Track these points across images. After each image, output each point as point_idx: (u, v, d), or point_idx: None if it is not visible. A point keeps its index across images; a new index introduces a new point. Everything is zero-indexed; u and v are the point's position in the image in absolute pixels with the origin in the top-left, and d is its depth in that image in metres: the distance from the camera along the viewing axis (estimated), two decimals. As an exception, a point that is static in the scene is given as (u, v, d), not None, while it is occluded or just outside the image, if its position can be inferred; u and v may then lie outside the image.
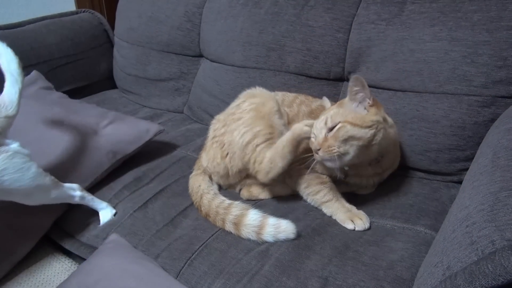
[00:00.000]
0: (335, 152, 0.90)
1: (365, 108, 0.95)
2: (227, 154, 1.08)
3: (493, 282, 0.48)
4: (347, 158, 0.92)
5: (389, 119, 1.03)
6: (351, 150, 0.92)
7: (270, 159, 1.00)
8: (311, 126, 0.98)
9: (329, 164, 0.94)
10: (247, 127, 1.04)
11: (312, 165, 0.98)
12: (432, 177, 1.17)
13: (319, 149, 0.92)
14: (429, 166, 1.15)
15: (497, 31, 1.02)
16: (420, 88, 1.14)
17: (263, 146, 1.02)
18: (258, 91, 1.18)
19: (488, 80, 1.04)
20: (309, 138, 0.98)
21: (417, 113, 1.14)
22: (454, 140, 1.10)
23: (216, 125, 1.16)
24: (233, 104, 1.16)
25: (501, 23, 1.02)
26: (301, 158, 1.02)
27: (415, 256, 0.86)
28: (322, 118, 0.96)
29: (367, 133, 0.92)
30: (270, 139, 1.04)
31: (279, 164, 0.99)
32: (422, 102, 1.13)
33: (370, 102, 0.95)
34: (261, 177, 1.02)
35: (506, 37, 1.01)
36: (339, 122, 0.92)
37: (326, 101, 1.13)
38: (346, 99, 0.97)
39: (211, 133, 1.18)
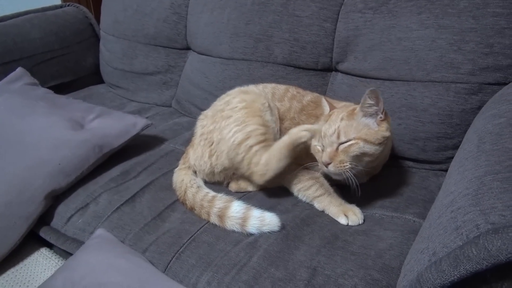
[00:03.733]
0: (347, 168, 0.89)
1: (375, 121, 0.93)
2: (215, 152, 1.07)
3: (477, 266, 0.48)
4: (354, 171, 0.91)
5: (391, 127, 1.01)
6: (360, 165, 0.91)
7: (266, 162, 0.98)
8: (308, 131, 0.96)
9: (335, 177, 0.94)
10: (239, 126, 1.02)
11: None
12: (421, 166, 1.17)
13: (329, 163, 0.91)
14: (418, 155, 1.15)
15: (483, 18, 1.02)
16: (407, 77, 1.13)
17: (258, 147, 1.00)
18: (249, 88, 1.17)
19: (475, 67, 1.03)
20: (305, 143, 0.97)
21: (405, 102, 1.14)
22: (442, 128, 1.10)
23: (204, 122, 1.14)
24: (222, 101, 1.14)
25: (487, 9, 1.02)
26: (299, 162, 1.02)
27: (404, 245, 0.86)
28: (333, 129, 0.92)
29: (377, 150, 0.92)
30: (264, 140, 1.02)
31: (275, 167, 0.98)
32: (410, 91, 1.13)
33: (382, 116, 0.93)
34: (256, 178, 1.01)
35: (492, 23, 1.01)
36: (353, 138, 0.90)
37: (324, 103, 1.06)
38: (357, 110, 0.94)
39: (198, 130, 1.15)
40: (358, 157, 0.91)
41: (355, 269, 0.81)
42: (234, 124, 1.03)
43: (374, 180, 1.09)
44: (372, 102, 0.91)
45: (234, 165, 1.05)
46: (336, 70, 1.32)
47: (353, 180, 0.90)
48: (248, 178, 1.06)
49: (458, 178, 0.65)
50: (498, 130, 0.70)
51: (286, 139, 0.98)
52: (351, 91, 1.25)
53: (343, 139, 0.91)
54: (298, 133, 0.97)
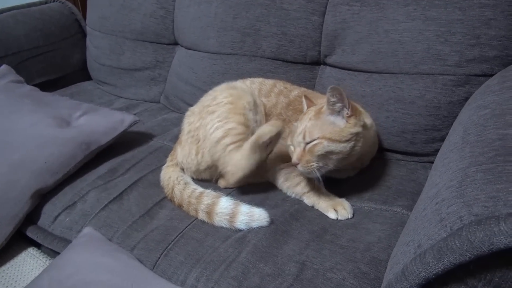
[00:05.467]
0: (314, 167, 0.89)
1: (343, 118, 0.92)
2: (201, 150, 1.07)
3: (461, 258, 0.48)
4: (326, 169, 0.91)
5: (369, 121, 0.99)
6: (330, 163, 0.91)
7: (235, 162, 0.99)
8: (273, 126, 0.95)
9: (308, 175, 0.94)
10: (220, 122, 1.02)
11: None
12: (409, 158, 1.17)
13: (298, 163, 0.90)
14: (406, 148, 1.15)
15: (470, 9, 1.01)
16: (395, 69, 1.13)
17: (232, 147, 1.00)
18: (236, 84, 1.15)
19: (462, 59, 1.03)
20: (272, 139, 0.96)
21: (393, 95, 1.14)
22: (430, 121, 1.10)
23: (191, 118, 1.13)
24: (209, 96, 1.13)
25: (474, 0, 1.01)
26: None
27: (392, 237, 0.86)
28: (300, 129, 0.92)
29: (345, 147, 0.90)
30: (241, 140, 1.01)
31: (244, 165, 0.98)
32: (398, 83, 1.13)
33: (349, 112, 0.91)
34: (228, 178, 1.02)
35: (479, 14, 1.01)
36: (317, 137, 0.89)
37: (303, 102, 1.06)
38: (324, 108, 0.93)
39: (186, 127, 1.14)
40: (324, 156, 0.89)
41: (343, 263, 0.81)
42: (216, 120, 1.03)
43: (363, 173, 1.09)
44: (335, 100, 0.90)
45: (214, 163, 1.05)
46: (325, 64, 1.31)
47: (319, 180, 0.90)
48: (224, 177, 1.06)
49: (443, 170, 0.65)
50: (483, 121, 0.70)
51: (252, 137, 0.97)
52: (339, 84, 1.24)
53: (307, 139, 0.90)
54: (264, 128, 0.96)
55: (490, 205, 0.50)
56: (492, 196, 0.51)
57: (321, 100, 1.07)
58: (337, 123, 0.91)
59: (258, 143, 0.96)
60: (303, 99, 1.05)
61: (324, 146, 0.89)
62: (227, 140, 1.01)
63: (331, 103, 0.91)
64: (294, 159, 0.91)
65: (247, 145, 0.98)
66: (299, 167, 0.91)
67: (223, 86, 1.16)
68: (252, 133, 1.04)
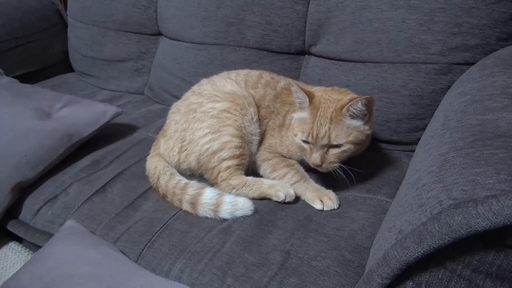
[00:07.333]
0: (336, 167, 0.94)
1: (363, 121, 0.93)
2: (185, 150, 1.06)
3: (440, 241, 0.48)
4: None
5: None
6: (346, 158, 0.95)
7: (234, 186, 1.00)
8: (287, 195, 0.97)
9: (325, 171, 0.96)
10: (214, 134, 1.02)
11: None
12: (393, 147, 1.18)
13: (320, 165, 0.93)
14: (390, 137, 1.16)
15: (452, -3, 1.02)
16: (379, 58, 1.13)
17: (230, 163, 1.01)
18: (222, 83, 1.13)
19: (444, 48, 1.04)
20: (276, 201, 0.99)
21: (377, 84, 1.14)
22: (413, 109, 1.10)
23: (177, 117, 1.10)
24: (194, 98, 1.10)
25: (456, -11, 1.02)
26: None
27: (376, 225, 0.87)
28: (323, 131, 0.90)
29: (363, 146, 0.96)
30: (239, 155, 1.02)
31: (239, 195, 1.00)
32: (382, 73, 1.13)
33: (367, 113, 0.93)
34: (217, 188, 1.03)
35: (461, 3, 1.01)
36: (344, 142, 0.91)
37: (298, 90, 0.97)
38: (344, 110, 0.90)
39: (172, 125, 1.11)
40: (345, 157, 0.94)
41: (328, 251, 0.81)
42: (208, 130, 1.02)
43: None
44: (364, 108, 0.90)
45: (201, 169, 1.06)
46: (309, 53, 1.31)
47: (341, 175, 0.93)
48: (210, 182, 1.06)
49: (423, 156, 0.66)
50: (463, 108, 0.71)
51: (264, 188, 0.99)
52: (324, 74, 1.25)
53: (334, 142, 0.91)
54: (277, 191, 0.97)
55: (469, 189, 0.50)
56: (471, 180, 0.51)
57: (309, 88, 1.06)
58: (359, 127, 0.93)
59: (265, 195, 0.99)
60: (297, 88, 0.97)
61: (351, 150, 0.93)
62: (224, 154, 1.01)
63: (357, 109, 0.90)
64: (317, 161, 0.92)
65: (253, 185, 1.00)
66: (323, 168, 0.94)
67: (208, 89, 1.12)
68: (251, 137, 1.05)
